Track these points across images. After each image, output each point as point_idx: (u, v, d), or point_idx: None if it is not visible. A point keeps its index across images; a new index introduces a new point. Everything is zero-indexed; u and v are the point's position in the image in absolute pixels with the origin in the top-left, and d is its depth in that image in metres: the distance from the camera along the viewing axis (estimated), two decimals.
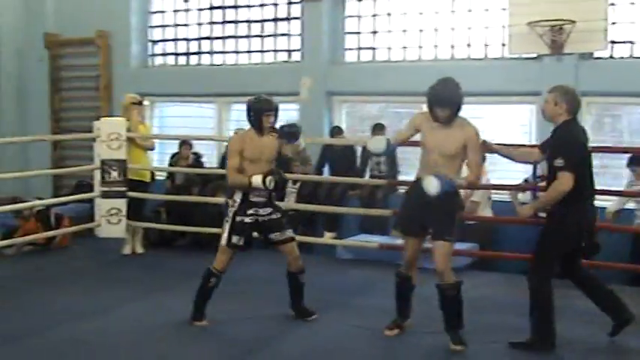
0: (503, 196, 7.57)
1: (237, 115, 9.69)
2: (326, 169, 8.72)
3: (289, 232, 5.39)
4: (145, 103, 8.05)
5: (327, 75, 8.85)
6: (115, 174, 7.47)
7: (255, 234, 5.33)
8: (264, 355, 4.73)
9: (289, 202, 8.28)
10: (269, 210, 5.26)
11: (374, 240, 7.50)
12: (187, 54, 9.97)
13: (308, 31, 9.01)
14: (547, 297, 4.65)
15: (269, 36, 9.45)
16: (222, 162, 8.72)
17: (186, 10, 9.92)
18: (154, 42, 10.19)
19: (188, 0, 9.87)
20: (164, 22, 10.10)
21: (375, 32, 8.91)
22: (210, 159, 9.49)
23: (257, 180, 5.06)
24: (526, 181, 7.16)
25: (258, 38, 9.51)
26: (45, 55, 10.30)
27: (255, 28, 9.51)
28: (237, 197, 5.16)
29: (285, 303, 5.55)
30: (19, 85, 10.41)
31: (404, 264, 4.98)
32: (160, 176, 8.71)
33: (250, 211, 5.16)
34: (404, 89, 8.41)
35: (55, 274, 6.94)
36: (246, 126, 5.26)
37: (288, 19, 9.31)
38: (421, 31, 8.67)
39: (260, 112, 5.13)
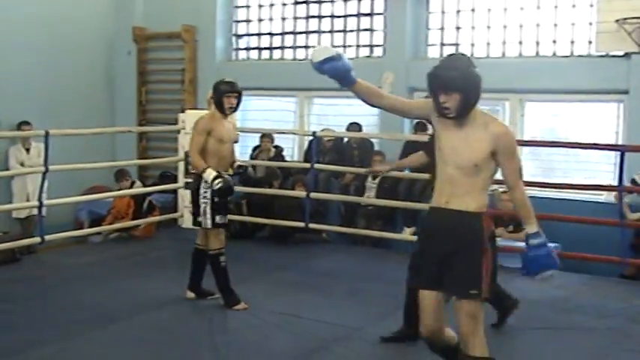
0: (586, 195, 7.42)
1: (319, 109, 9.76)
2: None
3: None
4: None
5: (409, 70, 8.80)
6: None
7: None
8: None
9: (369, 198, 8.30)
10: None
11: None
12: (270, 48, 10.08)
13: (391, 26, 8.97)
14: None
15: (352, 31, 9.45)
16: (306, 156, 8.81)
17: (271, 5, 10.03)
18: (239, 36, 10.34)
19: None
20: (249, 17, 10.23)
21: (458, 28, 8.80)
22: (291, 152, 9.59)
23: (209, 175, 5.30)
24: (633, 180, 6.98)
25: (341, 33, 9.53)
26: (133, 49, 10.61)
27: (338, 23, 9.54)
28: (209, 177, 5.29)
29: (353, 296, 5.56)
30: (109, 77, 10.76)
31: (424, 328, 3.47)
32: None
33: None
34: (487, 86, 8.25)
35: (139, 263, 7.16)
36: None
37: (371, 14, 9.29)
38: (505, 27, 8.52)
39: (221, 93, 5.44)
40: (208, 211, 5.37)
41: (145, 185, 9.21)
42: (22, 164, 8.77)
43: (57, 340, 4.80)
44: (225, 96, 5.44)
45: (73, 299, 5.82)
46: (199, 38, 10.23)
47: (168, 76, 10.35)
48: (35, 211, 7.69)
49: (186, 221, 7.56)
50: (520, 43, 8.43)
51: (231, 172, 5.59)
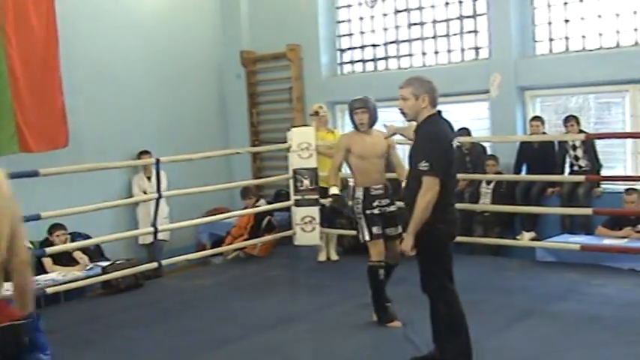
0: None
1: None
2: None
3: (400, 229, 5.52)
4: (322, 112, 8.16)
5: (517, 70, 8.49)
6: (306, 182, 7.68)
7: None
8: None
9: (484, 204, 8.05)
10: (387, 201, 5.57)
11: (576, 241, 7.06)
12: (375, 60, 10.03)
13: (495, 26, 8.69)
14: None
15: (455, 35, 9.24)
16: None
17: (372, 17, 9.98)
18: (342, 51, 10.36)
19: (374, 6, 9.92)
20: (351, 31, 10.24)
21: (567, 21, 8.38)
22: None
23: (331, 191, 5.69)
24: None
25: (445, 38, 9.33)
26: (242, 72, 10.86)
27: (441, 28, 9.35)
28: (359, 194, 5.52)
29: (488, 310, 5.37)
30: (221, 102, 11.06)
31: None
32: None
33: (375, 203, 5.50)
34: (605, 78, 7.88)
35: (256, 283, 7.27)
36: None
37: (474, 15, 9.04)
38: (618, 15, 8.03)
39: (350, 110, 5.69)
40: (364, 225, 5.46)
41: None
42: (144, 192, 9.16)
43: None
44: (355, 112, 5.64)
45: (187, 322, 5.98)
46: (304, 56, 10.33)
47: (276, 96, 10.52)
48: (160, 237, 7.99)
49: (299, 239, 7.61)
50: (635, 30, 7.93)
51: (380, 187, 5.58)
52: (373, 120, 5.68)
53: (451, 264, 4.31)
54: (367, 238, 5.46)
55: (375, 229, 5.45)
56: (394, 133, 5.38)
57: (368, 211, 5.47)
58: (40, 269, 7.43)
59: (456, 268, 7.07)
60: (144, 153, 9.20)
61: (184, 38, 10.50)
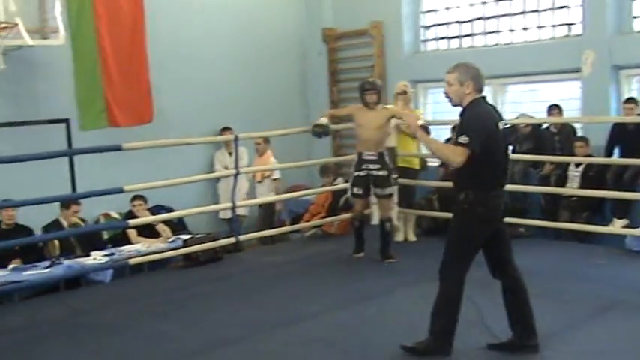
0: None
1: (513, 97, 9.29)
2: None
3: (389, 190, 6.97)
4: (411, 90, 8.02)
5: (612, 47, 8.09)
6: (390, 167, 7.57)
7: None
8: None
9: (572, 188, 7.75)
10: (378, 166, 6.87)
11: None
12: (459, 37, 9.77)
13: (589, 1, 8.29)
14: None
15: (546, 10, 8.88)
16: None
17: None
18: (426, 28, 10.15)
19: None
20: (435, 7, 10.00)
21: None
22: None
23: (320, 121, 7.27)
24: None
25: (534, 14, 8.98)
26: (323, 49, 10.80)
27: (531, 4, 9.00)
28: (355, 157, 6.99)
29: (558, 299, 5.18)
30: (302, 79, 11.05)
31: None
32: (433, 163, 8.65)
33: (363, 167, 6.91)
34: None
35: (331, 260, 7.27)
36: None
37: None
38: None
39: (362, 90, 7.01)
40: (350, 184, 7.12)
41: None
42: (225, 168, 9.27)
43: (242, 340, 4.97)
44: (366, 92, 6.98)
45: (263, 297, 6.04)
46: (386, 33, 10.17)
47: (358, 74, 10.40)
48: (240, 212, 8.11)
49: (377, 218, 7.54)
50: None
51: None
52: (379, 98, 6.98)
53: (498, 248, 4.37)
54: (349, 194, 7.15)
55: (355, 190, 7.00)
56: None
57: (355, 173, 6.94)
58: (125, 240, 7.65)
59: (538, 253, 6.91)
60: (225, 129, 9.30)
61: (267, 16, 10.52)
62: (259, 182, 9.13)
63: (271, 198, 8.52)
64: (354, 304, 5.63)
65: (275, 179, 9.09)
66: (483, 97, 4.30)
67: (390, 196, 7.05)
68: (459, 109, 4.36)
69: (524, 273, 6.09)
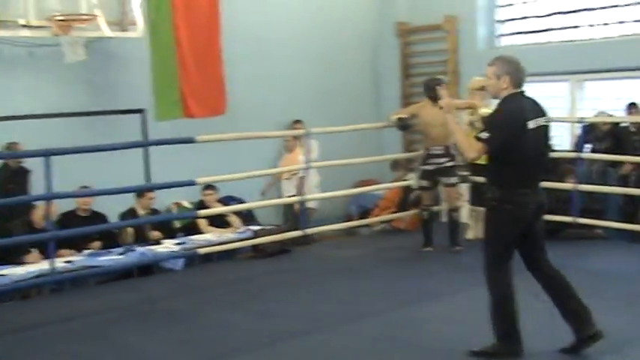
0: None
1: (592, 93, 9.01)
2: None
3: (453, 179, 7.18)
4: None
5: None
6: (458, 158, 7.47)
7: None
8: None
9: None
10: (446, 159, 7.14)
11: None
12: (536, 32, 9.54)
13: None
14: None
15: (629, 5, 8.57)
16: (577, 144, 8.20)
17: None
18: (501, 22, 9.94)
19: None
20: (511, 1, 9.78)
21: None
22: (561, 141, 8.98)
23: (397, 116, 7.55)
24: None
25: (615, 8, 8.68)
26: (396, 44, 10.72)
27: None
28: (423, 152, 7.35)
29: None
30: (374, 73, 10.98)
31: None
32: None
33: (431, 161, 7.15)
34: None
35: (400, 256, 7.23)
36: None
37: None
38: None
39: (431, 86, 7.04)
40: (418, 176, 7.42)
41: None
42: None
43: (309, 333, 4.98)
44: (437, 88, 6.52)
45: (331, 291, 6.04)
46: (461, 28, 10.01)
47: (430, 69, 10.27)
48: (309, 205, 8.13)
49: (444, 214, 7.46)
50: None
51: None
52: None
53: (529, 247, 4.28)
54: (417, 187, 7.44)
55: (423, 182, 7.25)
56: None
57: (423, 167, 7.19)
58: (196, 229, 7.77)
59: (616, 256, 6.69)
60: (297, 122, 9.33)
61: (340, 9, 10.49)
62: (287, 179, 8.99)
63: (342, 192, 8.49)
64: (422, 301, 5.57)
65: (301, 177, 8.92)
66: (521, 92, 4.21)
67: (455, 184, 7.24)
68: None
69: (599, 276, 5.97)
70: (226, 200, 8.43)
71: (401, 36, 10.65)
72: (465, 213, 7.51)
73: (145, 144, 8.11)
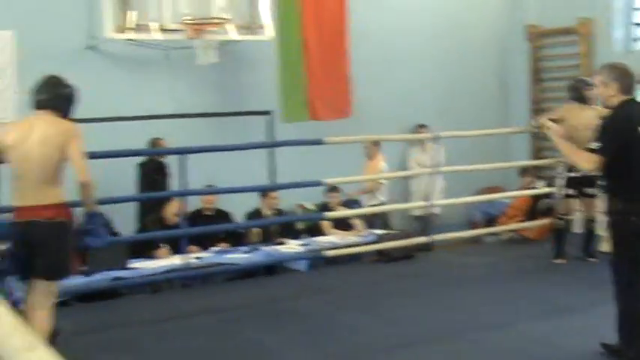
0: None
1: None
2: None
3: (595, 190, 6.52)
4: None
5: None
6: None
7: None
8: None
9: None
10: None
11: None
12: None
13: None
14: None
15: None
16: None
17: None
18: (639, 25, 9.43)
19: None
20: None
21: None
22: None
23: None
24: None
25: None
26: (526, 47, 10.38)
27: None
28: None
29: None
30: (502, 77, 10.68)
31: None
32: None
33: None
34: None
35: (527, 266, 6.96)
36: None
37: None
38: None
39: (581, 87, 6.86)
40: (563, 184, 6.90)
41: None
42: (419, 165, 9.18)
43: (433, 341, 4.88)
44: (588, 89, 6.56)
45: (457, 299, 5.91)
46: (595, 31, 9.57)
47: (562, 73, 9.89)
48: (433, 211, 7.99)
49: (577, 225, 7.13)
50: None
51: None
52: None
53: None
54: (558, 195, 6.97)
55: (570, 191, 6.82)
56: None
57: (569, 174, 6.73)
58: (319, 231, 7.79)
59: None
60: (421, 127, 9.20)
61: (467, 10, 10.28)
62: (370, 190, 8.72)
63: (469, 199, 8.28)
64: (551, 316, 5.30)
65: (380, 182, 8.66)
66: (632, 99, 4.14)
67: (596, 195, 6.75)
68: None
69: None
70: (348, 203, 8.41)
71: (531, 40, 10.31)
72: (601, 224, 7.13)
73: (274, 144, 8.15)
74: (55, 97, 4.25)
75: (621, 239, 4.11)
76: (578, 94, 6.76)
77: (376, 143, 8.35)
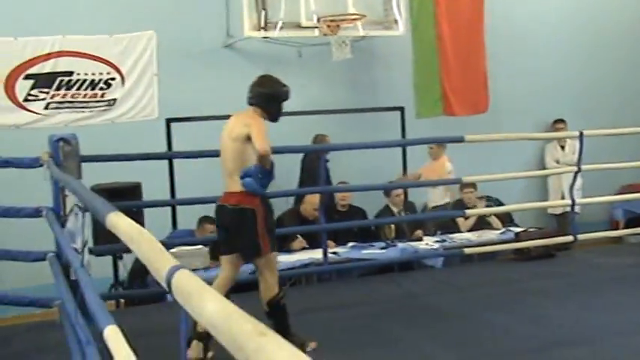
0: None
1: None
2: None
3: None
4: None
5: None
6: None
7: None
8: None
9: None
10: None
11: None
12: None
13: None
14: None
15: None
16: None
17: None
18: None
19: None
20: None
21: None
22: None
23: None
24: None
25: None
26: None
27: None
28: None
29: None
30: None
31: None
32: None
33: None
34: None
35: None
36: None
37: None
38: None
39: None
40: None
41: None
42: (557, 161, 8.91)
43: (586, 342, 4.68)
44: None
45: (603, 300, 5.67)
46: None
47: None
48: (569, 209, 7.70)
49: None
50: None
51: None
52: None
53: None
54: None
55: None
56: None
57: None
58: (453, 227, 7.68)
59: None
60: (558, 121, 8.91)
61: (610, 5, 9.86)
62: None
63: (611, 198, 7.93)
64: None
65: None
66: None
67: None
68: None
69: None
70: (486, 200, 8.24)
71: None
72: None
73: (413, 142, 8.02)
74: (255, 95, 4.63)
75: None
76: None
77: (440, 145, 8.03)
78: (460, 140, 6.58)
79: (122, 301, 6.49)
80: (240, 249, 4.61)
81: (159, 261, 1.78)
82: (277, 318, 4.55)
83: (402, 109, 8.51)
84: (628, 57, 10.09)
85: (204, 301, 1.43)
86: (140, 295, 6.27)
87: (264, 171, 4.39)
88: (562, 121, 8.83)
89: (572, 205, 7.05)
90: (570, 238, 6.98)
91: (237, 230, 4.53)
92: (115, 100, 6.59)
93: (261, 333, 1.21)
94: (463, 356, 4.63)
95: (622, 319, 5.11)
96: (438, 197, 8.14)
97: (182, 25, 7.77)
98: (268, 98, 4.62)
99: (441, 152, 8.15)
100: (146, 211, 6.28)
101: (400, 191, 7.71)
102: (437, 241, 7.21)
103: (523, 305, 5.63)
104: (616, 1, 9.96)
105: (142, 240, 1.98)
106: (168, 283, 1.64)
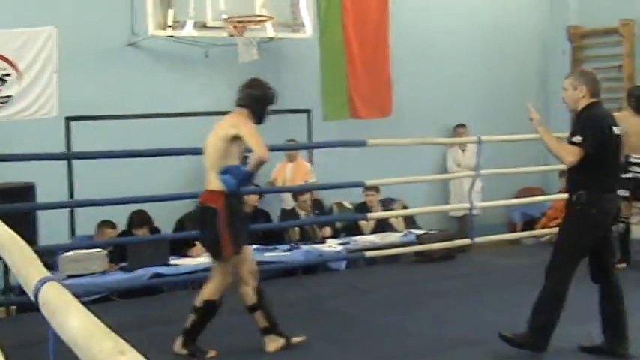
0: None
1: None
2: None
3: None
4: None
5: None
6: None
7: None
8: None
9: None
10: None
11: None
12: None
13: None
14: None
15: None
16: None
17: None
18: None
19: None
20: None
21: None
22: None
23: None
24: None
25: None
26: (567, 48, 10.25)
27: None
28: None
29: None
30: (542, 79, 10.57)
31: None
32: None
33: (629, 169, 6.53)
34: None
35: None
36: None
37: None
38: None
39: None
40: None
41: None
42: (458, 165, 9.15)
43: (484, 341, 4.79)
44: None
45: (499, 300, 5.86)
46: (638, 32, 9.43)
47: (604, 74, 9.72)
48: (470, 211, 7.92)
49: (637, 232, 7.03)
50: None
51: None
52: None
53: (600, 253, 4.39)
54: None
55: (621, 192, 6.01)
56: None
57: (621, 175, 6.22)
58: (357, 230, 7.77)
59: None
60: (460, 126, 9.16)
61: (508, 11, 10.21)
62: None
63: (509, 202, 8.23)
64: (589, 319, 5.18)
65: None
66: (599, 102, 4.37)
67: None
68: None
69: None
70: (386, 202, 8.38)
71: (573, 40, 10.18)
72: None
73: (317, 146, 8.08)
74: (245, 96, 4.70)
75: (578, 230, 4.31)
76: (636, 101, 6.72)
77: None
78: (362, 144, 6.66)
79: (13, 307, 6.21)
80: (206, 247, 4.76)
81: (29, 271, 1.71)
82: (200, 318, 4.57)
83: (308, 112, 8.54)
84: (529, 66, 10.47)
85: (69, 316, 1.38)
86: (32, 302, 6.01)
87: (245, 173, 4.43)
88: (463, 125, 9.09)
89: (471, 208, 7.25)
90: (467, 240, 7.17)
91: (201, 228, 4.64)
92: (10, 96, 6.34)
93: (121, 352, 1.18)
94: (366, 357, 4.69)
95: (518, 318, 5.27)
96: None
97: (85, 22, 7.55)
98: (258, 100, 4.69)
99: (296, 154, 8.24)
100: (42, 214, 6.06)
101: (306, 196, 7.72)
102: (340, 244, 7.28)
103: (425, 306, 5.75)
104: (518, 12, 10.32)
105: (14, 248, 1.90)
106: (36, 296, 1.57)
